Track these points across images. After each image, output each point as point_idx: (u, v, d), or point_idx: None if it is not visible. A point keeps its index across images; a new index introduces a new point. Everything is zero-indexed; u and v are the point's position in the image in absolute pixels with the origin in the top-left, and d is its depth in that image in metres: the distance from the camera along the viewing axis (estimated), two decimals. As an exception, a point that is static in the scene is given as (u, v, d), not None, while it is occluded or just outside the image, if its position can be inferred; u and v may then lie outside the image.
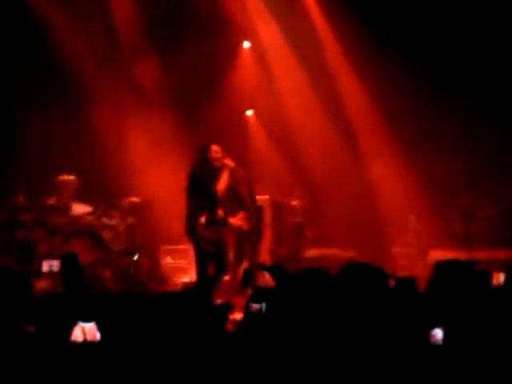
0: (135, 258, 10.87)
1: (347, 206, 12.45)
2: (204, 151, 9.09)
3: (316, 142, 13.05)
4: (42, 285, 9.49)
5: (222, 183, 9.05)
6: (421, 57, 12.49)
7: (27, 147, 11.62)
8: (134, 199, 11.18)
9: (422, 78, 12.43)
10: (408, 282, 7.17)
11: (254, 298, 5.06)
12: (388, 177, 12.67)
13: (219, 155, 9.04)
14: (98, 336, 4.64)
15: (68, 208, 10.61)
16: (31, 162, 11.57)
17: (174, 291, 3.27)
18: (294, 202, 12.27)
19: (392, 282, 6.96)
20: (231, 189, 9.22)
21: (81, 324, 4.69)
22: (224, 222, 9.14)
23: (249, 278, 6.28)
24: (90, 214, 10.68)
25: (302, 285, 3.58)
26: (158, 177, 11.51)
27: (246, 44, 14.04)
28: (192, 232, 9.02)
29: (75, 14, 12.45)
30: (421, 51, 12.48)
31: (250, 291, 5.98)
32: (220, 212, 9.08)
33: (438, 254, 11.35)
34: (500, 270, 6.84)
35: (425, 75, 12.47)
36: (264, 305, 4.87)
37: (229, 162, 9.14)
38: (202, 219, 8.90)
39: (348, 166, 12.98)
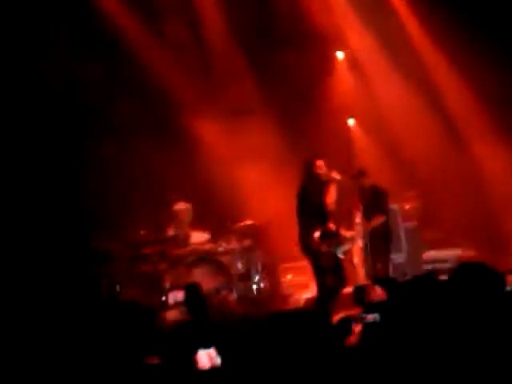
0: (256, 279, 11.06)
1: (462, 204, 12.24)
2: (309, 168, 9.20)
3: (421, 142, 12.88)
4: (171, 316, 9.81)
5: (331, 196, 9.12)
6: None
7: (141, 180, 12.00)
8: (250, 222, 11.37)
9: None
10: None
11: (367, 312, 5.13)
12: (500, 169, 12.39)
13: (324, 169, 9.12)
14: (218, 361, 4.77)
15: (187, 237, 10.91)
16: (147, 193, 11.93)
17: (292, 310, 3.34)
18: (407, 206, 12.18)
19: (510, 278, 6.86)
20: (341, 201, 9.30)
21: (201, 351, 4.84)
22: (337, 234, 9.21)
23: (361, 293, 6.29)
24: (209, 240, 10.94)
25: (411, 295, 3.60)
26: (271, 198, 11.67)
27: (340, 54, 14.08)
28: (307, 248, 9.13)
29: (168, 39, 12.72)
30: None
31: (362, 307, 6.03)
32: (331, 225, 9.15)
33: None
34: None
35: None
36: (377, 315, 4.94)
37: (336, 175, 9.20)
38: (316, 234, 9.00)
39: (456, 163, 12.77)
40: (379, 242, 9.82)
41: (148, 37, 12.49)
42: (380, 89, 13.43)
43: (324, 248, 9.00)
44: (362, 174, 10.18)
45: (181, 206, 11.03)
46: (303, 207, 9.18)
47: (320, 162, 9.23)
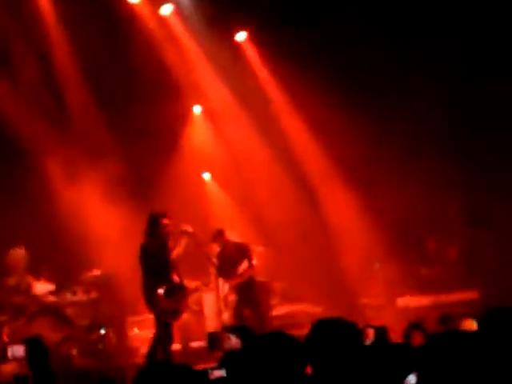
0: (102, 331, 10.69)
1: (311, 260, 12.41)
2: (152, 224, 9.06)
3: (274, 196, 13.07)
4: (8, 369, 9.27)
5: (177, 249, 9.05)
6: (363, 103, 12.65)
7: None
8: (96, 272, 11.04)
9: (368, 122, 12.55)
10: (382, 332, 7.20)
11: (221, 362, 5.05)
12: (349, 226, 12.71)
13: (169, 228, 9.04)
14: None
15: (29, 287, 10.43)
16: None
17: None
18: (255, 262, 12.22)
19: (370, 332, 6.97)
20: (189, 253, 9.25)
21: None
22: (182, 287, 9.12)
23: (215, 340, 6.25)
24: (53, 291, 10.51)
25: (266, 349, 3.54)
26: (120, 249, 11.39)
27: (197, 108, 14.15)
28: (152, 304, 8.96)
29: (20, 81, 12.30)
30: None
31: (217, 354, 5.97)
32: (175, 277, 9.05)
33: (406, 301, 11.43)
34: (469, 316, 6.86)
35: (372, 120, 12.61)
36: (224, 371, 4.87)
37: (188, 228, 9.13)
38: (160, 291, 8.84)
39: (308, 219, 12.99)
40: (249, 293, 10.41)
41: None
42: (235, 143, 13.56)
43: (169, 304, 8.85)
44: (220, 232, 10.76)
45: (17, 252, 10.54)
46: (145, 264, 9.02)
47: (166, 221, 9.10)
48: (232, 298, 10.51)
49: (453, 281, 11.83)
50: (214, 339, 6.14)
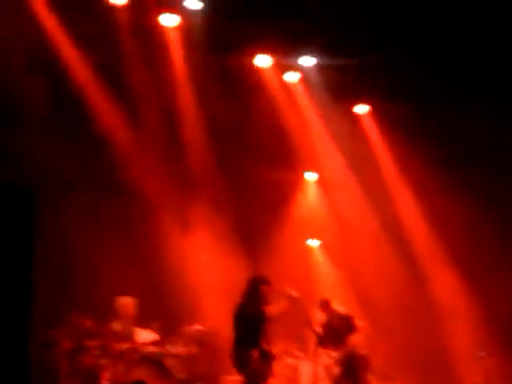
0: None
1: (411, 341, 12.15)
2: (253, 289, 9.03)
3: (380, 271, 12.95)
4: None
5: (278, 310, 8.96)
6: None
7: (88, 267, 11.68)
8: (198, 327, 11.10)
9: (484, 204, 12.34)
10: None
11: None
12: (456, 310, 12.41)
13: (267, 296, 8.99)
14: None
15: (132, 334, 10.57)
16: (93, 284, 11.60)
17: None
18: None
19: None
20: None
21: None
22: (268, 353, 9.01)
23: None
24: (154, 341, 10.62)
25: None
26: (222, 304, 11.47)
27: (310, 175, 14.25)
28: (241, 364, 8.90)
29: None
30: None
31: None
32: (265, 345, 8.95)
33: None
34: None
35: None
36: None
37: (291, 292, 9.05)
38: (256, 353, 8.79)
39: (412, 298, 12.77)
40: (351, 366, 9.84)
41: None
42: (346, 213, 13.54)
43: (261, 367, 8.79)
44: (327, 302, 10.82)
45: (125, 300, 10.73)
46: (238, 325, 8.99)
47: (265, 289, 9.06)
48: (336, 370, 10.29)
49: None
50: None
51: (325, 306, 10.75)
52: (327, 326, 10.49)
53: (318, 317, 10.66)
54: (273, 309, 8.95)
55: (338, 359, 10.20)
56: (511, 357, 11.88)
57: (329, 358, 10.41)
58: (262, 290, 8.99)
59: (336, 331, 10.50)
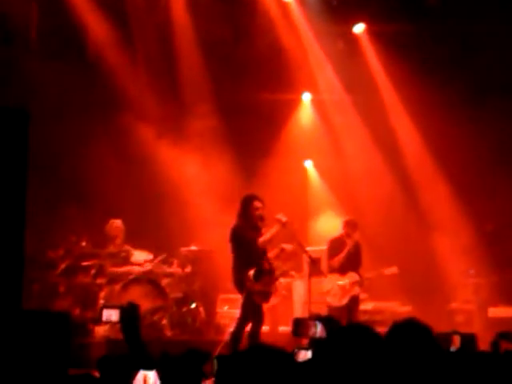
0: (193, 305, 10.96)
1: (405, 259, 12.29)
2: (246, 206, 9.15)
3: (374, 192, 13.02)
4: (101, 331, 9.66)
5: (268, 236, 9.09)
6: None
7: (90, 192, 11.81)
8: (193, 248, 11.28)
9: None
10: (470, 339, 7.07)
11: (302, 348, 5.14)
12: (448, 231, 12.55)
13: (260, 211, 9.10)
14: (159, 384, 4.66)
15: (128, 255, 10.77)
16: (95, 208, 11.74)
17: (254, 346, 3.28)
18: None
19: (457, 339, 6.89)
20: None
21: (143, 372, 4.73)
22: (270, 271, 9.18)
23: (300, 327, 6.30)
24: (150, 261, 10.81)
25: (348, 340, 3.58)
26: (218, 227, 11.62)
27: (307, 95, 14.21)
28: (240, 284, 9.09)
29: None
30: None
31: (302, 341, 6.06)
32: (265, 261, 9.13)
33: (498, 311, 11.21)
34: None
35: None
36: (310, 352, 4.94)
37: (280, 217, 9.15)
38: (250, 272, 8.96)
39: (406, 218, 12.88)
40: None
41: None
42: (342, 135, 13.56)
43: (258, 286, 8.96)
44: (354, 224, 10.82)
45: (115, 223, 10.88)
46: (235, 246, 9.14)
47: (257, 203, 9.16)
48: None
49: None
50: (299, 325, 6.20)
51: (352, 226, 10.86)
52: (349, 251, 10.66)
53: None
54: (265, 234, 9.08)
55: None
56: (499, 274, 12.06)
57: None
58: (252, 204, 9.08)
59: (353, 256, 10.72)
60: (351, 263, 10.73)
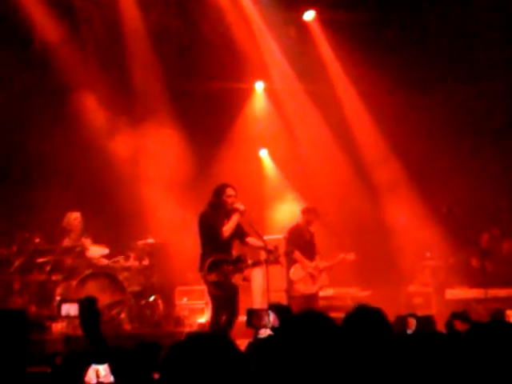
0: (151, 298, 10.87)
1: (363, 245, 12.37)
2: (218, 194, 9.08)
3: (329, 177, 13.06)
4: (58, 327, 9.53)
5: (230, 225, 9.04)
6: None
7: (40, 184, 11.63)
8: (150, 240, 11.19)
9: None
10: (427, 321, 7.14)
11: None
12: (403, 214, 12.64)
13: (233, 198, 9.04)
14: (111, 378, 4.62)
15: (84, 250, 10.62)
16: (47, 203, 11.57)
17: (192, 334, 3.22)
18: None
19: (412, 321, 6.95)
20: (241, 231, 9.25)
21: (94, 366, 4.68)
22: (231, 263, 9.10)
23: (254, 316, 6.30)
24: (106, 255, 10.70)
25: (301, 328, 3.55)
26: (174, 220, 11.54)
27: (259, 84, 14.18)
28: (200, 272, 9.03)
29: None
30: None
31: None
32: (227, 255, 9.05)
33: (455, 293, 11.34)
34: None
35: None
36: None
37: (238, 206, 9.11)
38: (206, 262, 8.91)
39: (362, 203, 12.95)
40: None
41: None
42: (295, 123, 13.57)
43: (211, 278, 8.89)
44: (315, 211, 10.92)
45: (73, 215, 10.72)
46: (203, 232, 9.06)
47: (230, 191, 9.11)
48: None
49: (505, 276, 11.68)
50: (252, 315, 6.18)
51: (313, 213, 10.86)
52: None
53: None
54: (227, 224, 9.02)
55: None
56: (454, 256, 12.20)
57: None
58: (226, 191, 9.01)
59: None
60: (312, 250, 10.79)
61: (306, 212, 10.94)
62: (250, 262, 9.15)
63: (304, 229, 10.85)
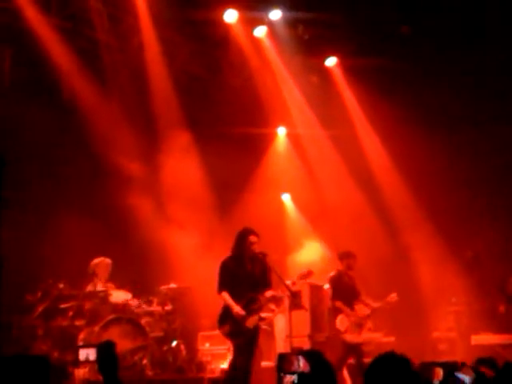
0: (174, 344, 10.84)
1: (388, 290, 12.28)
2: (241, 240, 8.99)
3: (352, 222, 13.04)
4: (81, 373, 9.50)
5: (256, 271, 8.97)
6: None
7: (65, 233, 11.71)
8: (173, 285, 11.18)
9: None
10: (453, 368, 7.01)
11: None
12: (427, 259, 12.57)
13: (255, 245, 8.95)
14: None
15: (107, 295, 10.63)
16: (72, 248, 11.63)
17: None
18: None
19: (439, 371, 6.82)
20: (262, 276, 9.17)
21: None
22: (258, 311, 9.00)
23: (283, 362, 6.24)
24: (130, 300, 10.69)
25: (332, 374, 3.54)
26: (197, 265, 11.55)
27: (282, 129, 14.28)
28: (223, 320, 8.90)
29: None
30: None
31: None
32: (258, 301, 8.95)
33: (481, 339, 11.19)
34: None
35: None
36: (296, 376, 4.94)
37: (261, 250, 9.04)
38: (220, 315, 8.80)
39: (385, 248, 12.90)
40: None
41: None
42: (318, 168, 13.63)
43: (224, 331, 8.75)
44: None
45: (100, 260, 10.78)
46: (227, 278, 8.97)
47: (253, 238, 9.04)
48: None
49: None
50: (283, 361, 6.13)
51: (352, 256, 10.68)
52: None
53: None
54: (254, 273, 8.91)
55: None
56: (480, 302, 12.08)
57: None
58: (248, 238, 8.94)
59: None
60: (355, 295, 10.58)
61: (345, 257, 10.72)
62: (263, 299, 9.00)
63: (345, 274, 10.68)
